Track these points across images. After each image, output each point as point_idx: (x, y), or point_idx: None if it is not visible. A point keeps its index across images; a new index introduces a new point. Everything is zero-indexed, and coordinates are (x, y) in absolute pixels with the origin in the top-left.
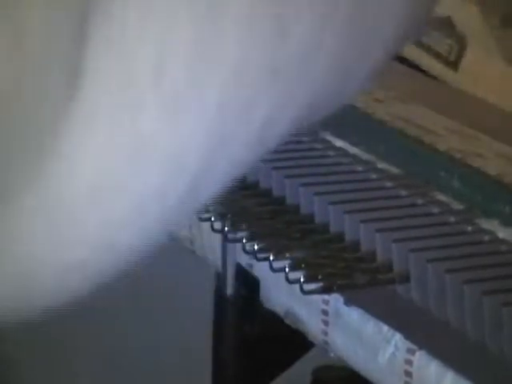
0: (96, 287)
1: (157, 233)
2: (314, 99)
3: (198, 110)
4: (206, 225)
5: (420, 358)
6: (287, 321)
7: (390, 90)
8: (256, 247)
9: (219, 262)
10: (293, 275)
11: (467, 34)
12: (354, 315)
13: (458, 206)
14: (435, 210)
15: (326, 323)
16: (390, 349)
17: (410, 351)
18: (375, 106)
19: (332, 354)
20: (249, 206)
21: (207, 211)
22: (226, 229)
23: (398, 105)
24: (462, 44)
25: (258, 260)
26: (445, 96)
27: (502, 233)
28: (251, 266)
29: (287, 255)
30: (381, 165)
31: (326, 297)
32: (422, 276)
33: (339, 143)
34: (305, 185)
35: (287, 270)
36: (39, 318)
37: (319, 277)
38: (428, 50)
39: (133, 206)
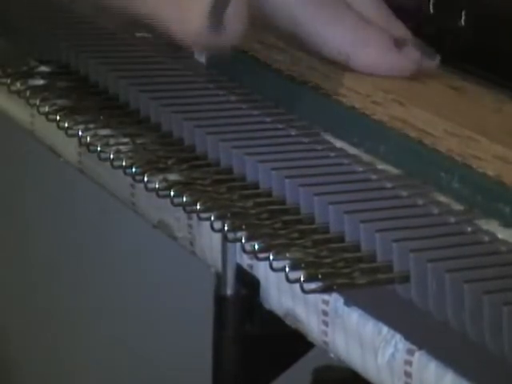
0: None
1: None
2: None
3: None
4: (206, 225)
5: (420, 358)
6: (287, 321)
7: (389, 92)
8: (256, 247)
9: (219, 263)
10: (293, 275)
11: None
12: (353, 316)
13: (457, 206)
14: (435, 210)
15: (325, 323)
16: (390, 349)
17: (410, 352)
18: (374, 108)
19: (332, 355)
20: (249, 205)
21: (207, 211)
22: (226, 229)
23: (396, 107)
24: None
25: (258, 260)
26: (444, 98)
27: (501, 233)
28: (251, 266)
29: (287, 255)
30: (381, 165)
31: (325, 297)
32: (422, 276)
33: (339, 144)
34: (305, 185)
35: (287, 269)
36: None
37: (319, 276)
38: None
39: None
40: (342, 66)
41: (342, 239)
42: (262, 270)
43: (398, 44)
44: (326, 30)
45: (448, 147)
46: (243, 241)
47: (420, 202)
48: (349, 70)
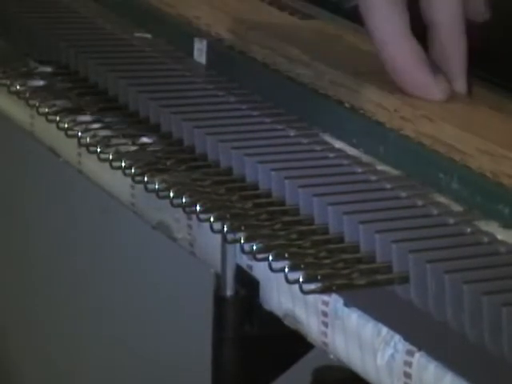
0: None
1: None
2: None
3: None
4: (206, 226)
5: (419, 359)
6: (286, 322)
7: (419, 108)
8: (255, 248)
9: (219, 263)
10: (292, 275)
11: None
12: (353, 317)
13: (457, 207)
14: (434, 211)
15: (325, 324)
16: (390, 350)
17: (410, 352)
18: (400, 124)
19: (331, 356)
20: (248, 206)
21: (207, 212)
22: (226, 229)
23: (425, 123)
24: None
25: (258, 260)
26: (476, 115)
27: (501, 234)
28: (251, 267)
29: (286, 256)
30: (380, 166)
31: (325, 298)
32: (422, 277)
33: (339, 145)
34: (304, 186)
35: (287, 270)
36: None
37: (318, 277)
38: None
39: None
40: (370, 80)
41: (341, 240)
42: (261, 270)
43: (433, 68)
44: (376, 27)
45: (480, 165)
46: (242, 241)
47: (419, 202)
48: (376, 85)
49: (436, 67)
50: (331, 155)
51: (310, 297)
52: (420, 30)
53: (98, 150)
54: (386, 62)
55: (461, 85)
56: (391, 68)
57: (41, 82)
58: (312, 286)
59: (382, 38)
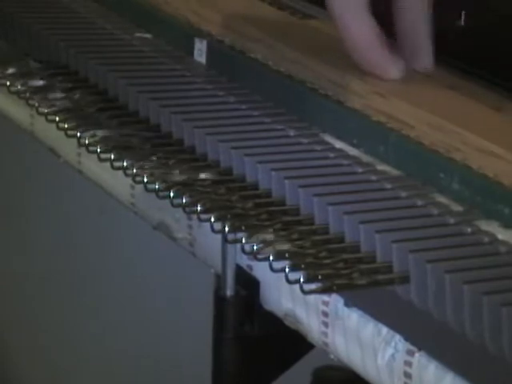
0: None
1: None
2: None
3: None
4: (206, 226)
5: (420, 359)
6: (286, 322)
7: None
8: (255, 248)
9: (219, 264)
10: (293, 275)
11: None
12: (353, 317)
13: (457, 207)
14: (435, 211)
15: (325, 325)
16: (390, 350)
17: (410, 352)
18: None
19: (332, 356)
20: (248, 206)
21: (207, 212)
22: (226, 230)
23: (377, 99)
24: None
25: (258, 260)
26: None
27: (501, 234)
28: (251, 267)
29: (287, 255)
30: (380, 166)
31: (325, 298)
32: (422, 277)
33: (339, 145)
34: (304, 186)
35: (287, 270)
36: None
37: (319, 277)
38: None
39: None
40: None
41: (341, 240)
42: (261, 270)
43: (390, 47)
44: (337, 8)
45: (432, 140)
46: (243, 241)
47: (420, 202)
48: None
49: (393, 47)
50: (331, 155)
51: (311, 297)
52: (379, 7)
53: (98, 149)
54: (345, 40)
55: (428, 62)
56: (350, 47)
57: (41, 82)
58: (312, 286)
59: (343, 18)
